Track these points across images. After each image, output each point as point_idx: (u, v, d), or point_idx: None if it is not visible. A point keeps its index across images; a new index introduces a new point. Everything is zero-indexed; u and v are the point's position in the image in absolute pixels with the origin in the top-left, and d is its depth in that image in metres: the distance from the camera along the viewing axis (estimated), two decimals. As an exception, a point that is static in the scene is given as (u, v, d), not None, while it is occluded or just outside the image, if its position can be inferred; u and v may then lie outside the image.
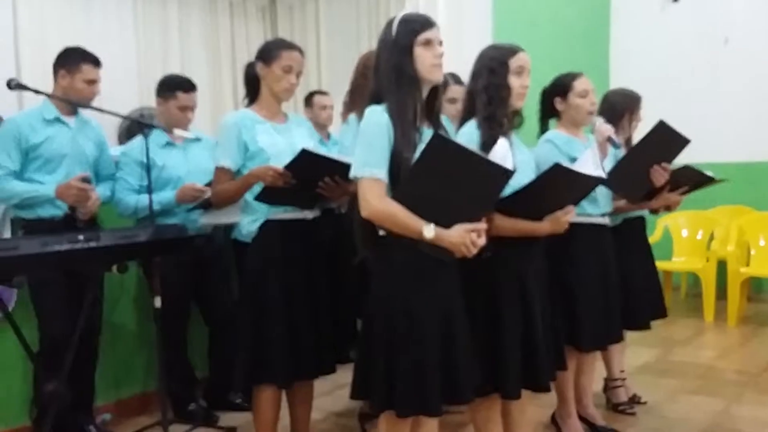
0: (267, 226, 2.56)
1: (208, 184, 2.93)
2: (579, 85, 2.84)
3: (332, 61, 6.70)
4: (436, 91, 2.12)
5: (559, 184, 2.33)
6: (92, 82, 3.04)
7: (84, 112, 3.15)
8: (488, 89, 2.33)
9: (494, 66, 2.35)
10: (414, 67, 2.02)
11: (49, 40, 5.17)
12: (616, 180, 2.78)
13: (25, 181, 2.95)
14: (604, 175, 2.46)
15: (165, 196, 3.18)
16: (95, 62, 3.05)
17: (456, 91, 3.13)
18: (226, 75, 6.27)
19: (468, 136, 2.30)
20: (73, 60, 3.01)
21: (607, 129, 2.89)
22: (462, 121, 2.42)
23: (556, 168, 2.23)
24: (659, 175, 2.93)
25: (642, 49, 6.53)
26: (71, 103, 3.03)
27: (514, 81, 2.35)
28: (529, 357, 2.35)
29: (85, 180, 2.94)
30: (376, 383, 2.01)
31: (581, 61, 4.25)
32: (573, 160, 2.61)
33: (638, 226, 3.30)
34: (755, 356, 4.44)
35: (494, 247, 2.21)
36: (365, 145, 2.00)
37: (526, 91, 2.39)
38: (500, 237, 2.26)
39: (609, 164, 2.94)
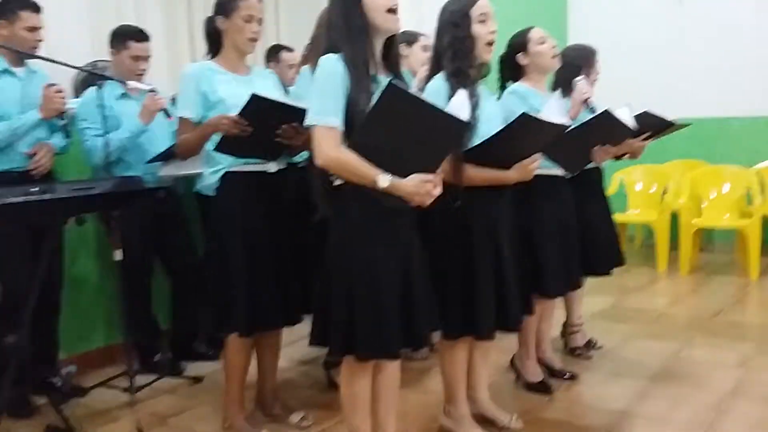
0: (228, 177, 2.53)
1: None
2: (534, 34, 2.87)
3: (291, 14, 6.57)
4: (392, 41, 2.09)
5: (526, 133, 2.35)
6: (34, 29, 2.92)
7: (32, 63, 3.04)
8: (453, 44, 2.33)
9: (456, 19, 2.33)
10: (365, 16, 1.99)
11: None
12: (557, 152, 2.72)
13: None
14: (569, 123, 2.49)
15: (131, 124, 3.12)
16: (34, 8, 2.93)
17: (427, 39, 3.22)
18: (181, 27, 6.08)
19: (436, 89, 2.30)
20: (10, 8, 2.89)
21: (587, 91, 2.95)
22: (429, 78, 2.41)
23: (524, 117, 2.25)
24: (600, 156, 2.95)
25: (598, 8, 6.60)
26: (17, 52, 2.92)
27: (479, 29, 2.34)
28: (501, 299, 2.41)
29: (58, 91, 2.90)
30: (335, 330, 2.02)
31: (539, 17, 4.25)
32: (537, 112, 2.64)
33: (595, 177, 3.36)
34: (706, 303, 4.60)
35: (465, 196, 2.25)
36: (319, 93, 1.97)
37: (494, 38, 2.37)
38: (470, 186, 2.29)
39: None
